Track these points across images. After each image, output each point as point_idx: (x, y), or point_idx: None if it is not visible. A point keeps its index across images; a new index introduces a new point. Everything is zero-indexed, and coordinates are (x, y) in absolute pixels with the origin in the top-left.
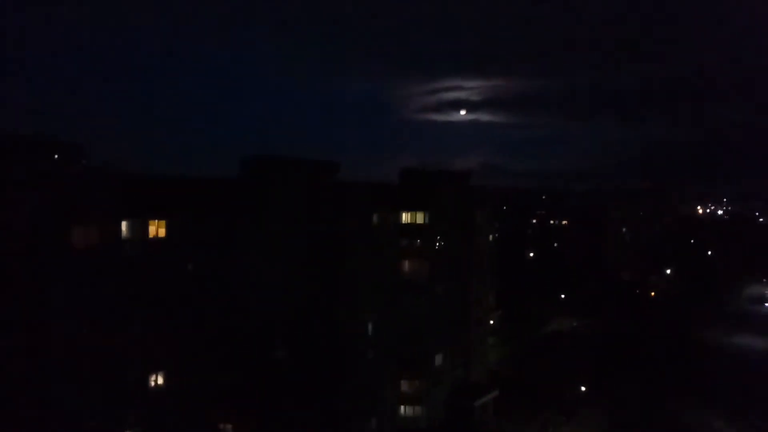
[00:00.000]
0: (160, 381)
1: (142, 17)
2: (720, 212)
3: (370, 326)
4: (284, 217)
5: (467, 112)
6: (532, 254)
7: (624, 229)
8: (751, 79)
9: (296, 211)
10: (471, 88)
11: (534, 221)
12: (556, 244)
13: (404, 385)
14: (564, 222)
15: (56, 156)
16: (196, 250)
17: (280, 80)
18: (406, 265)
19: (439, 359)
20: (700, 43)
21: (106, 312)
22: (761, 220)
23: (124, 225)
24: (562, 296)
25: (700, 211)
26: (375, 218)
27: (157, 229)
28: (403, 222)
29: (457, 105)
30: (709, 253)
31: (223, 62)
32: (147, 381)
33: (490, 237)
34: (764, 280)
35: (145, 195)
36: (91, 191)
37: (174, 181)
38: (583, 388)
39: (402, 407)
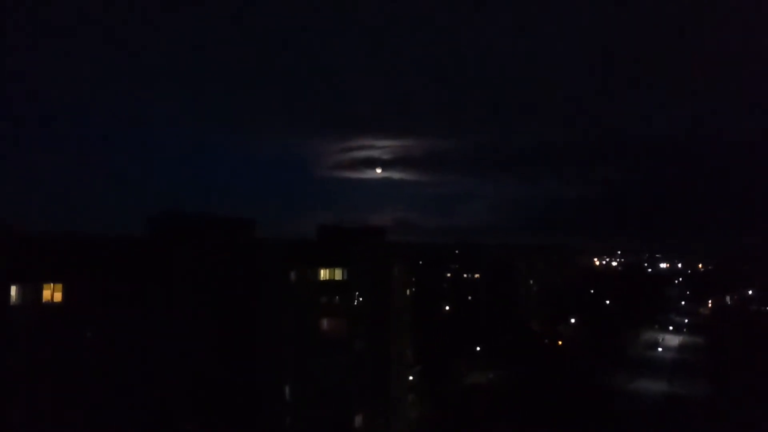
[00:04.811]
0: None
1: (45, 67)
2: (614, 264)
3: (287, 389)
4: (195, 276)
5: (379, 169)
6: (447, 308)
7: (531, 281)
8: (638, 143)
9: (209, 270)
10: (382, 147)
11: (448, 275)
12: (470, 297)
13: None
14: (476, 275)
15: None
16: (97, 315)
17: (191, 138)
18: (325, 323)
19: (359, 420)
20: (591, 109)
21: None
22: (650, 270)
23: (13, 290)
24: (478, 348)
25: (597, 263)
26: (292, 276)
27: (52, 293)
28: (322, 279)
29: (369, 163)
30: (607, 302)
31: (133, 119)
32: None
33: (408, 292)
34: (656, 326)
35: (39, 256)
36: None
37: (72, 240)
38: None
39: None
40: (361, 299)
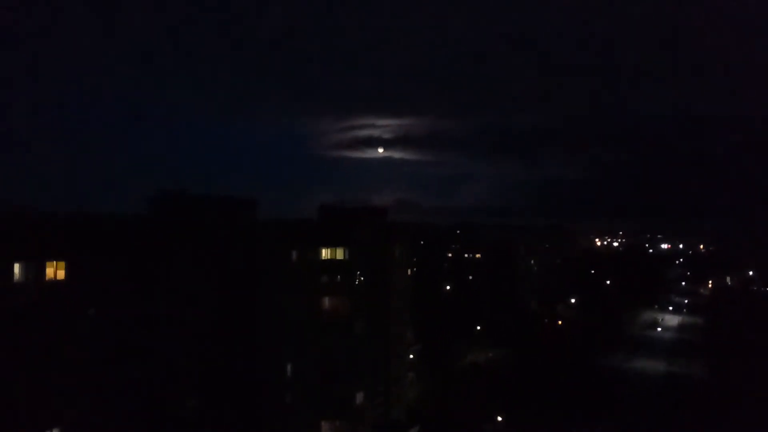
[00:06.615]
0: None
1: (48, 49)
2: (615, 244)
3: (289, 367)
4: (197, 256)
5: (379, 149)
6: (448, 287)
7: (532, 262)
8: (641, 125)
9: (210, 250)
10: (383, 126)
11: (449, 255)
12: (470, 278)
13: (324, 427)
14: (477, 256)
15: None
16: (100, 293)
17: (191, 119)
18: (327, 301)
19: (360, 398)
20: (591, 92)
21: None
22: (651, 251)
23: (16, 267)
24: (478, 328)
25: (598, 244)
26: (294, 255)
27: (55, 271)
28: (323, 258)
29: (370, 142)
30: (608, 282)
31: (135, 102)
32: None
33: (408, 271)
34: (655, 306)
35: (42, 234)
36: None
37: (75, 219)
38: (499, 418)
39: None
40: (362, 278)
